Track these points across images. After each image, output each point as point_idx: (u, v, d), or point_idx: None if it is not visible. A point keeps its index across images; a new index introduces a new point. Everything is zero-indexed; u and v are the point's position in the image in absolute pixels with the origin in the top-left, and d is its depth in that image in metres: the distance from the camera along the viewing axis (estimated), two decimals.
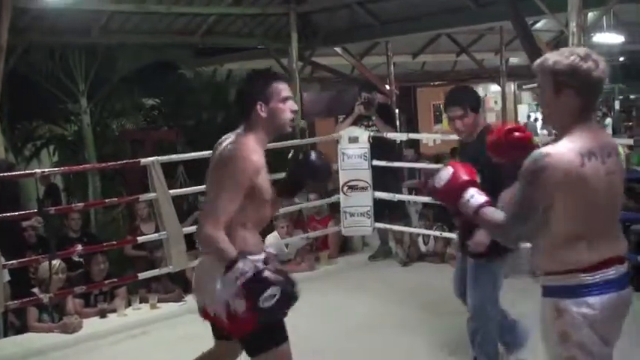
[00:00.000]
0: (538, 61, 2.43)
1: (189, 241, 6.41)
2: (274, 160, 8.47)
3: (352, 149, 6.84)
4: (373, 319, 5.18)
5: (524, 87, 20.55)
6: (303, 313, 5.27)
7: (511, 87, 18.17)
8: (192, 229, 6.33)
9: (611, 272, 2.38)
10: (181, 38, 9.17)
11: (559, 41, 10.97)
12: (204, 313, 2.91)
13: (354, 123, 6.94)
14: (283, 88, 2.84)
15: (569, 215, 2.35)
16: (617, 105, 24.50)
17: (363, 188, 6.81)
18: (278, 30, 9.71)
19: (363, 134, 6.80)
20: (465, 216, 2.64)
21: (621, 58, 19.03)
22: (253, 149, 2.75)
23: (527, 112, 21.49)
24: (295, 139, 8.36)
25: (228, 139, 2.83)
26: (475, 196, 2.56)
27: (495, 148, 2.99)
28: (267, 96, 2.79)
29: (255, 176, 2.72)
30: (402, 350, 4.54)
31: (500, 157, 3.00)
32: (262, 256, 2.88)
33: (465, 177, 2.61)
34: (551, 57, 2.38)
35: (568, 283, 2.38)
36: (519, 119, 18.90)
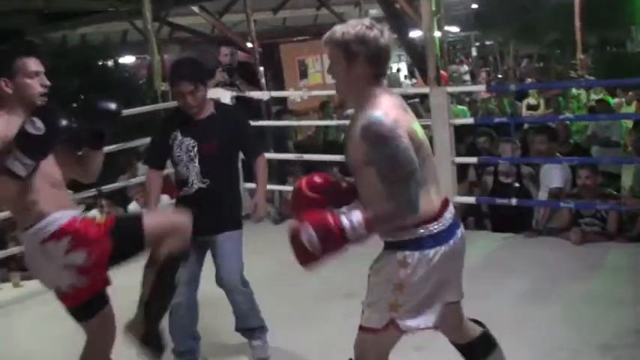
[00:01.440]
0: (327, 34, 2.44)
1: None
2: (140, 124, 8.27)
3: None
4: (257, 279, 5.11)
5: None
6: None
7: None
8: None
9: (448, 217, 2.47)
10: (22, 3, 8.62)
11: None
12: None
13: (217, 84, 6.81)
14: (31, 63, 2.78)
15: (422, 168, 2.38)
16: (474, 52, 25.49)
17: None
18: None
19: (225, 95, 6.68)
20: None
21: (474, 6, 19.74)
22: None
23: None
24: (157, 102, 8.16)
25: None
26: (353, 219, 2.31)
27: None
28: (13, 72, 2.74)
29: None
30: (270, 304, 4.53)
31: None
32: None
33: (327, 218, 2.32)
34: (339, 29, 2.40)
35: (413, 236, 2.40)
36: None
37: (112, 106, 2.95)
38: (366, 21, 2.42)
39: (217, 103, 3.91)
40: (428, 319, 2.47)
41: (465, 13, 20.32)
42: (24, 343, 4.45)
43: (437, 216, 2.43)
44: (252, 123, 6.54)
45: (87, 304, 2.90)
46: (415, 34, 10.90)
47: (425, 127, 7.64)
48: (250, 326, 3.84)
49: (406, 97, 10.78)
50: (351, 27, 2.38)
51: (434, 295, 2.46)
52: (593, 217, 5.42)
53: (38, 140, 2.59)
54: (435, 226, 2.42)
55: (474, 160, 6.15)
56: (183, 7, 10.07)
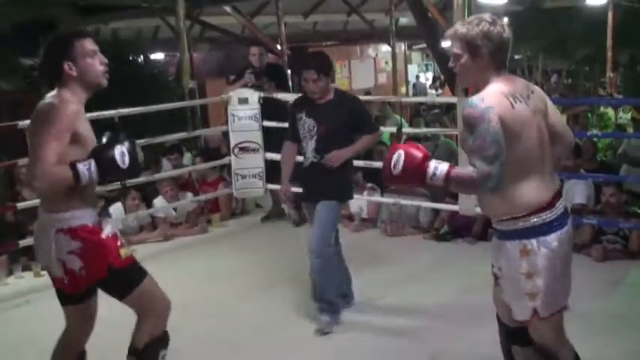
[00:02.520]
0: (451, 30, 2.66)
1: None
2: (166, 121, 8.33)
3: (242, 110, 6.77)
4: (267, 279, 5.19)
5: (414, 47, 20.90)
6: (198, 277, 5.30)
7: (401, 47, 18.47)
8: None
9: (560, 206, 2.63)
10: None
11: (445, 3, 11.18)
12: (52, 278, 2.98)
13: (245, 85, 6.86)
14: (88, 43, 2.83)
15: (515, 155, 2.51)
16: None
17: (255, 150, 6.77)
18: None
19: (253, 95, 6.73)
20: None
21: (505, 19, 19.56)
22: (70, 100, 2.76)
23: (417, 72, 21.94)
24: (185, 99, 8.24)
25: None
26: (438, 167, 2.54)
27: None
28: (74, 54, 2.79)
29: (75, 121, 2.73)
30: (296, 308, 4.57)
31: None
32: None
33: (418, 154, 2.57)
34: (463, 25, 2.62)
35: (531, 224, 2.56)
36: (409, 79, 19.25)
37: (124, 165, 2.80)
38: (487, 17, 2.61)
39: (337, 91, 4.45)
40: (563, 299, 2.69)
41: None
42: (46, 331, 4.49)
43: (549, 205, 2.59)
44: (278, 124, 6.68)
45: (66, 295, 2.98)
46: (446, 44, 10.88)
47: (450, 137, 7.69)
48: (320, 297, 4.21)
49: (431, 107, 10.78)
50: (475, 24, 2.58)
51: (562, 275, 2.63)
52: (616, 234, 5.38)
53: (119, 173, 2.80)
54: (549, 215, 2.59)
55: None
56: (216, 6, 10.14)
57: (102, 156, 2.73)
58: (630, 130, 9.68)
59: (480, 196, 2.73)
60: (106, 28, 12.17)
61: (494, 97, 2.52)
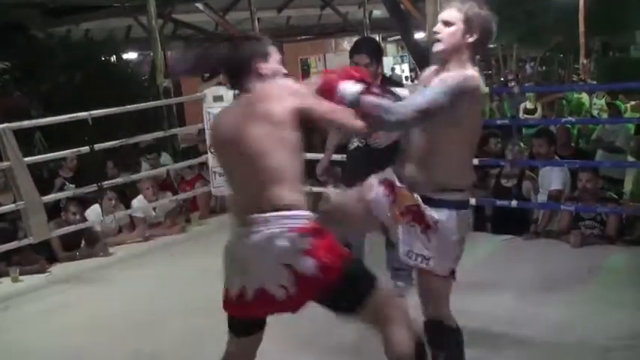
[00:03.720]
0: (457, 3, 2.72)
1: (55, 209, 6.19)
2: (141, 120, 8.25)
3: (218, 108, 6.71)
4: None
5: (389, 39, 20.93)
6: (178, 276, 5.26)
7: (376, 39, 18.46)
8: (55, 196, 6.14)
9: None
10: None
11: None
12: (228, 302, 2.56)
13: (219, 82, 6.81)
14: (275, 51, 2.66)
15: (471, 134, 2.73)
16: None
17: None
18: None
19: (228, 92, 6.68)
20: None
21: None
22: None
23: (392, 64, 21.96)
24: (159, 98, 8.18)
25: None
26: (349, 86, 2.57)
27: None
28: (266, 56, 2.59)
29: None
30: None
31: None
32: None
33: (334, 75, 2.62)
34: (465, 4, 2.71)
35: (465, 198, 2.79)
36: (385, 71, 19.25)
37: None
38: (486, 10, 2.74)
39: (383, 77, 4.36)
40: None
41: None
42: (27, 337, 4.45)
43: (472, 187, 2.90)
44: None
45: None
46: (419, 35, 10.91)
47: None
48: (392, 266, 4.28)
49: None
50: (477, 8, 2.71)
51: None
52: (593, 220, 5.42)
53: None
54: (469, 195, 2.87)
55: (475, 161, 6.12)
56: (188, 4, 10.07)
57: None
58: (604, 115, 9.76)
59: (426, 164, 2.72)
60: (78, 29, 12.07)
61: (478, 80, 2.69)
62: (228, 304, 2.56)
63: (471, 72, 2.66)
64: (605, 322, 3.89)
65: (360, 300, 2.40)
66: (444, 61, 2.74)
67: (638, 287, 4.51)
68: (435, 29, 2.75)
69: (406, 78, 21.47)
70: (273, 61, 2.59)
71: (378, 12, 14.84)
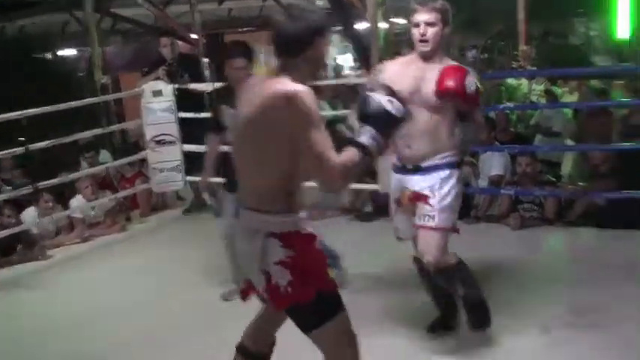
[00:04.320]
0: (431, 4, 3.19)
1: None
2: (79, 118, 8.06)
3: (157, 103, 6.62)
4: (194, 273, 5.05)
5: (332, 29, 20.89)
6: (119, 277, 5.16)
7: None
8: None
9: None
10: None
11: None
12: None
13: (158, 77, 6.70)
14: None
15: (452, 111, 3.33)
16: None
17: (171, 142, 6.63)
18: None
19: (167, 87, 6.59)
20: None
21: None
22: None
23: (336, 54, 21.95)
24: (97, 95, 8.00)
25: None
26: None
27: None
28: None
29: None
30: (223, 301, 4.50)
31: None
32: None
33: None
34: (437, 1, 3.19)
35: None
36: (327, 61, 19.22)
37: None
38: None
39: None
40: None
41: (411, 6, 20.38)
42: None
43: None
44: (195, 115, 6.55)
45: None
46: (361, 25, 10.90)
47: None
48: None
49: (349, 87, 10.79)
50: (445, 3, 3.21)
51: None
52: (532, 203, 5.52)
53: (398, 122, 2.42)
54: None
55: None
56: None
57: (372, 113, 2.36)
58: (543, 101, 9.91)
59: (432, 137, 3.25)
60: (13, 26, 11.73)
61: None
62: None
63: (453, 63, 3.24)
64: (544, 301, 3.97)
65: (319, 323, 2.34)
66: (427, 56, 3.24)
67: (576, 266, 4.61)
68: (420, 31, 3.19)
69: (350, 68, 21.52)
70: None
71: (321, 2, 14.79)
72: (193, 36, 11.02)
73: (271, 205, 2.31)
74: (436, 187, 3.28)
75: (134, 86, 7.01)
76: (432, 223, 3.27)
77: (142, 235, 6.32)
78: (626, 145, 5.74)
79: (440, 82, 3.11)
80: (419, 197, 3.31)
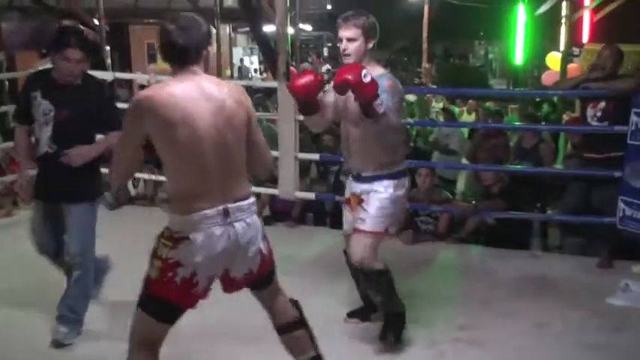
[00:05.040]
0: (352, 18, 3.46)
1: None
2: None
3: None
4: None
5: (239, 30, 20.77)
6: (3, 265, 4.89)
7: (226, 30, 18.27)
8: None
9: None
10: None
11: None
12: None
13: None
14: None
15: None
16: (325, 52, 25.92)
17: None
18: None
19: None
20: None
21: (329, 7, 20.05)
22: None
23: (242, 55, 21.85)
24: None
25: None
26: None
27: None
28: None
29: None
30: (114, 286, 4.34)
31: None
32: None
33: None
34: (362, 15, 3.46)
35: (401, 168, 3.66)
36: (234, 62, 19.13)
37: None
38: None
39: (86, 75, 3.72)
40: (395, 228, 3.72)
41: (320, 13, 20.60)
42: None
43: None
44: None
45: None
46: (269, 29, 10.89)
47: (272, 121, 7.68)
48: (71, 307, 3.77)
49: (254, 91, 10.77)
50: (367, 17, 3.48)
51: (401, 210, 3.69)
52: (428, 216, 5.68)
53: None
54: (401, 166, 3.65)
55: (316, 156, 6.20)
56: None
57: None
58: (441, 118, 10.22)
59: (369, 150, 3.50)
60: None
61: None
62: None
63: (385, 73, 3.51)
64: (432, 317, 4.07)
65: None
66: None
67: (465, 282, 4.75)
68: (342, 46, 3.47)
69: (255, 70, 21.47)
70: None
71: (230, 1, 14.69)
72: (96, 22, 10.68)
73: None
74: (371, 193, 3.54)
75: (31, 66, 6.69)
76: (363, 227, 3.53)
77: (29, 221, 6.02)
78: (517, 167, 5.99)
79: (337, 76, 3.25)
80: (359, 201, 3.59)
